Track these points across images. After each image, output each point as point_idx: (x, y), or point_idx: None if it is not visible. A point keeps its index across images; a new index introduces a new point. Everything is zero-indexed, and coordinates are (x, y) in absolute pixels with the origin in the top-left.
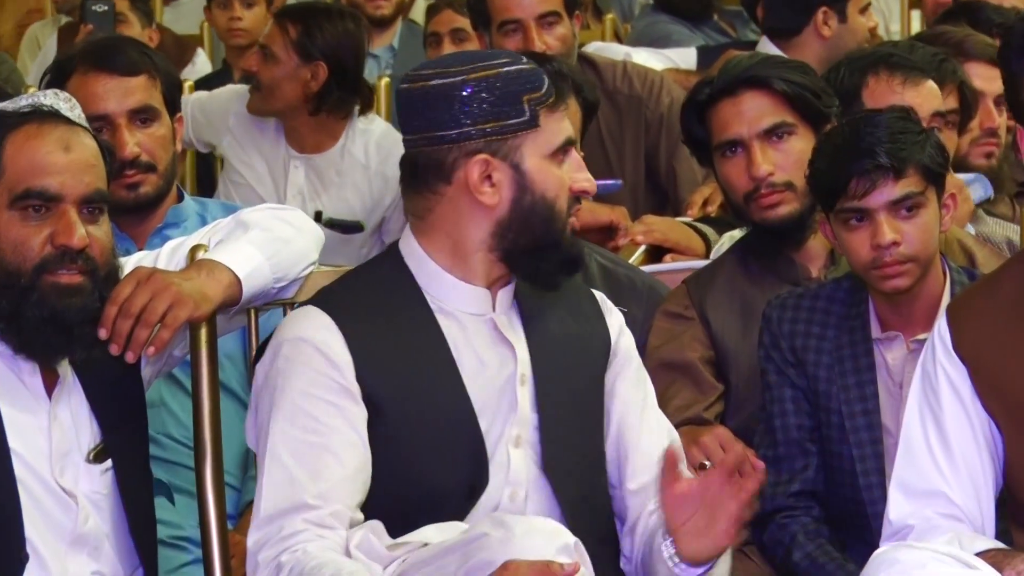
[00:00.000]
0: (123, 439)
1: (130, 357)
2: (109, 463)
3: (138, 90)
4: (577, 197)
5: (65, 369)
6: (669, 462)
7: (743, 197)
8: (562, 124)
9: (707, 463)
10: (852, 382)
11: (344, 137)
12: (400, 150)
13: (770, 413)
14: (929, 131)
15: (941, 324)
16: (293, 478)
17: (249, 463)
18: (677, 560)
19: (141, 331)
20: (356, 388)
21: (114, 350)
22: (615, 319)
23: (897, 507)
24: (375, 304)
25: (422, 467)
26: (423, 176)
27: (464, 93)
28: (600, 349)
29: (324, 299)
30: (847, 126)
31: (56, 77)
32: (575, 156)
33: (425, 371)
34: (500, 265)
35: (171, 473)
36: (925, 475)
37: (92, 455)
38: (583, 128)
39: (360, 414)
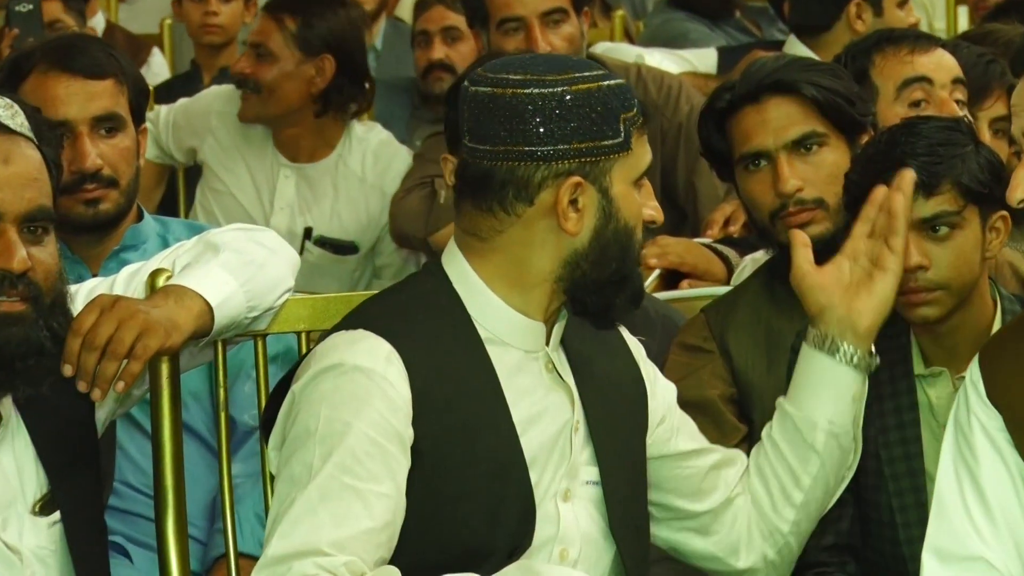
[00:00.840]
0: (73, 488)
1: (97, 395)
2: (57, 515)
3: (104, 95)
4: (647, 227)
5: (8, 409)
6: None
7: (768, 215)
8: (646, 147)
9: None
10: (892, 423)
11: (341, 145)
12: (398, 162)
13: None
14: (981, 145)
15: (973, 369)
16: (315, 518)
17: (216, 514)
18: (848, 350)
19: (108, 364)
20: (409, 433)
21: (82, 387)
22: (646, 362)
23: (934, 574)
24: (430, 334)
25: (464, 525)
26: (500, 193)
27: (565, 105)
28: (637, 390)
29: (376, 322)
30: (885, 135)
31: (9, 77)
32: (647, 184)
33: (476, 413)
34: (561, 296)
35: (129, 525)
36: (961, 539)
37: (38, 506)
38: None
39: (404, 463)
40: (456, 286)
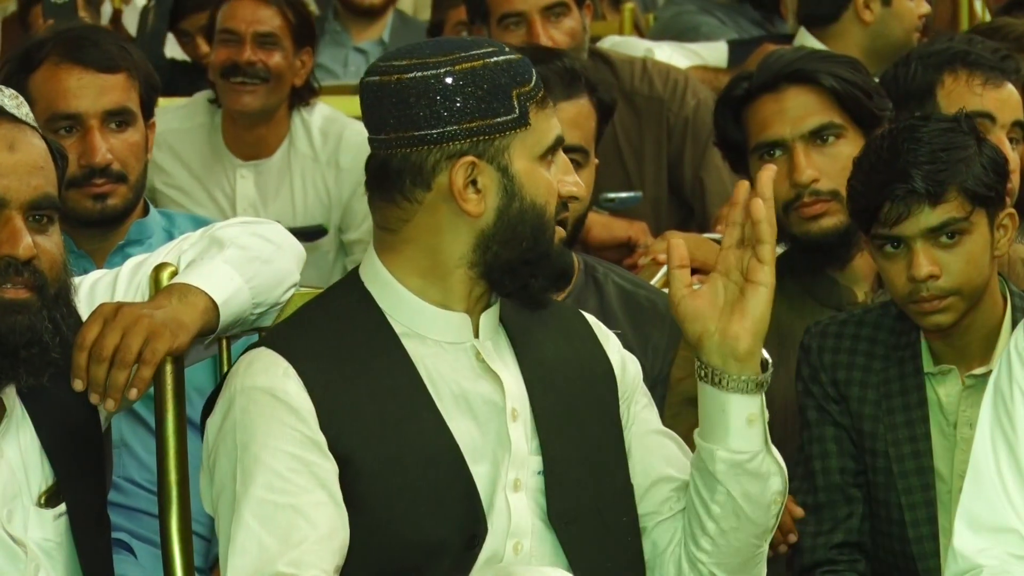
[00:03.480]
0: (79, 481)
1: (110, 406)
2: (62, 508)
3: (115, 89)
4: (565, 203)
5: (12, 400)
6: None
7: (782, 206)
8: (551, 122)
9: None
10: (901, 420)
11: (289, 134)
12: (349, 133)
13: (809, 455)
14: (984, 143)
15: (1019, 336)
16: (262, 544)
17: None
18: (733, 377)
19: (118, 374)
20: (321, 438)
21: (94, 400)
22: (612, 343)
23: (964, 541)
24: (335, 341)
25: (408, 521)
26: (397, 182)
27: (447, 87)
28: (602, 375)
29: (276, 339)
30: (886, 140)
31: (20, 67)
32: (563, 157)
33: (399, 413)
34: (481, 283)
35: (132, 521)
36: (995, 508)
37: (43, 499)
38: (598, 133)
39: (330, 469)
40: (368, 286)
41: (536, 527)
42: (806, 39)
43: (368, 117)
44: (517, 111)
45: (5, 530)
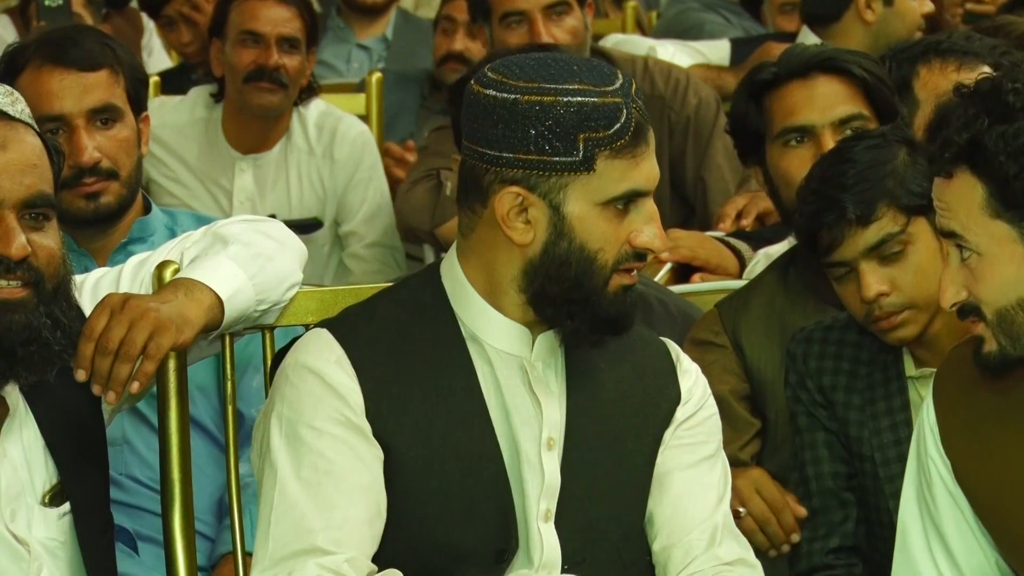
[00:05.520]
0: (82, 479)
1: (111, 398)
2: (67, 507)
3: (98, 87)
4: (640, 255)
5: (16, 400)
6: None
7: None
8: (630, 172)
9: (741, 510)
10: (886, 425)
11: (288, 129)
12: (344, 127)
13: (802, 461)
14: (917, 149)
15: (928, 406)
16: (302, 518)
17: (224, 510)
18: None
19: (121, 367)
20: (367, 426)
21: (96, 391)
22: (688, 379)
23: None
24: (399, 332)
25: (440, 524)
26: (467, 190)
27: (515, 113)
28: (666, 415)
29: (339, 323)
30: (818, 167)
31: (6, 71)
32: (648, 208)
33: (449, 414)
34: (530, 309)
35: (135, 520)
36: None
37: (47, 498)
38: None
39: (375, 454)
40: (444, 282)
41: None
42: (809, 38)
43: (462, 121)
44: (580, 155)
45: (8, 529)
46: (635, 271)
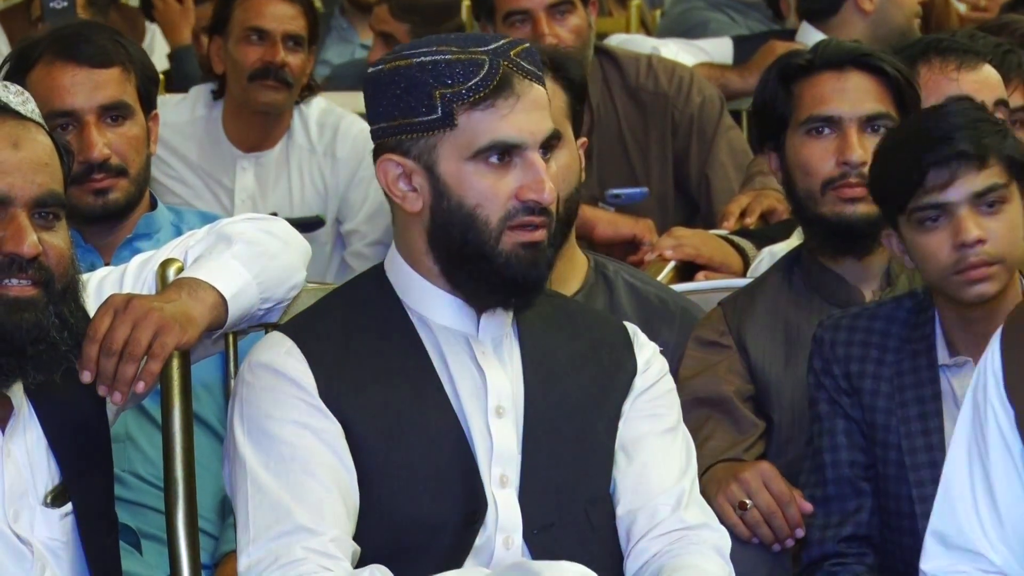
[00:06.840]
0: (86, 480)
1: (117, 399)
2: (69, 507)
3: (109, 84)
4: (531, 208)
5: (19, 399)
6: None
7: (822, 183)
8: (494, 124)
9: (748, 501)
10: (914, 414)
11: (289, 127)
12: (345, 124)
13: (819, 447)
14: (1004, 122)
15: (994, 355)
16: (279, 502)
17: (227, 507)
18: None
19: (126, 367)
20: (323, 405)
21: (102, 392)
22: (645, 353)
23: (932, 558)
24: (347, 322)
25: (407, 497)
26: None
27: (379, 83)
28: (624, 386)
29: (289, 323)
30: (914, 120)
31: (17, 67)
32: (531, 159)
33: (404, 391)
34: (444, 278)
35: (138, 517)
36: (965, 532)
37: (50, 498)
38: (573, 113)
39: (335, 430)
40: (388, 272)
41: (518, 525)
42: (808, 33)
43: None
44: (440, 111)
45: (11, 529)
46: (536, 228)
